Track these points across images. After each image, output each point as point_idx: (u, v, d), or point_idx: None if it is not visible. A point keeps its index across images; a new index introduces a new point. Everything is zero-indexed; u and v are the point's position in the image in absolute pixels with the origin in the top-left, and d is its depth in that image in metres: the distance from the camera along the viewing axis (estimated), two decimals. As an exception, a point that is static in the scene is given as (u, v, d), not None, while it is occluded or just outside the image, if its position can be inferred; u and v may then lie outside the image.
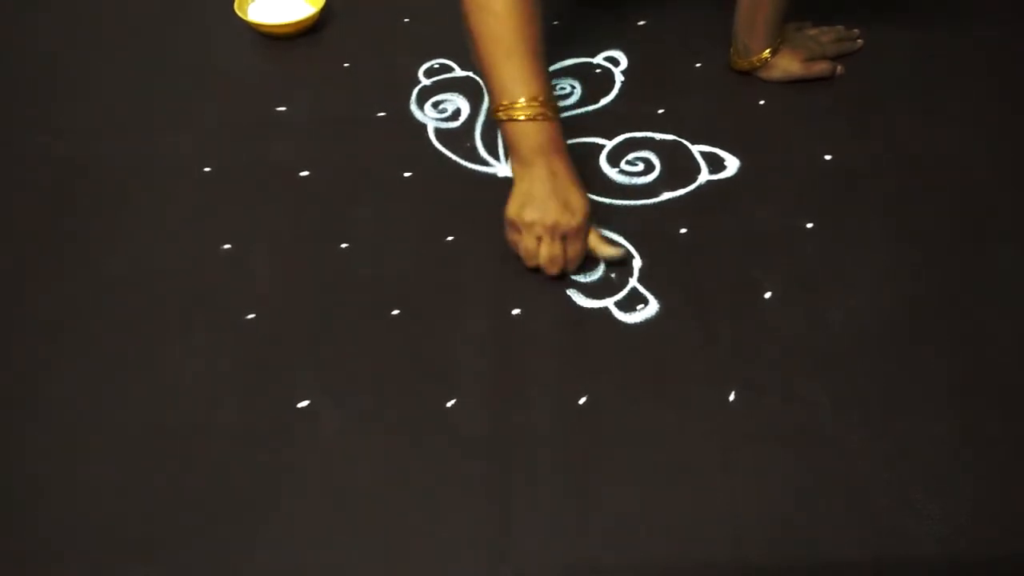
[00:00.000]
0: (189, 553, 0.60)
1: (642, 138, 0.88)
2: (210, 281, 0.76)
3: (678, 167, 0.85)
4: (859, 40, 0.97)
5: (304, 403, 0.68)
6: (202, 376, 0.70)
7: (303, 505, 0.62)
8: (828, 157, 0.86)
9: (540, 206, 0.70)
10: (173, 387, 0.69)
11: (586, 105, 0.92)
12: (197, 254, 0.79)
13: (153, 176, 0.86)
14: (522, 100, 0.69)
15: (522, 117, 0.69)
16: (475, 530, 0.61)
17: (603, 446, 0.65)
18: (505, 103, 0.69)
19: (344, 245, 0.79)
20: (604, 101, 0.93)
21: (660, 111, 0.91)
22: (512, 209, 0.71)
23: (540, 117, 0.69)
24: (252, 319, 0.73)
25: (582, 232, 0.71)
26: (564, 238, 0.71)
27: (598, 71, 0.97)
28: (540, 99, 0.69)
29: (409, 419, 0.67)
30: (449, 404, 0.67)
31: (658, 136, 0.88)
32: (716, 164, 0.85)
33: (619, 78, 0.95)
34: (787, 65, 0.91)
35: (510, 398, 0.68)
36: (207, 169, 0.87)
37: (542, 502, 0.62)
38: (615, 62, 0.98)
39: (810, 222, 0.79)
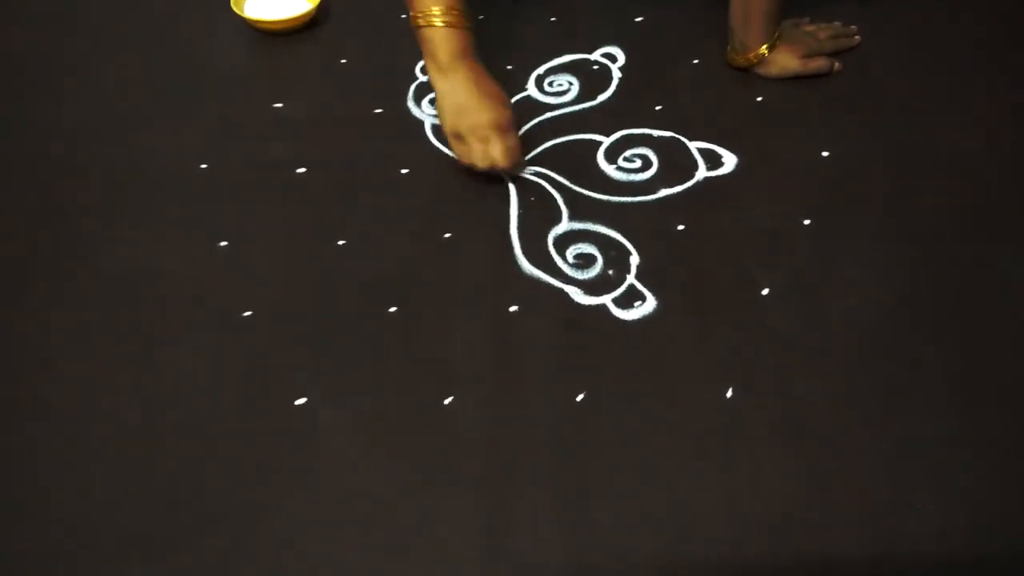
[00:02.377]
0: (188, 552, 0.60)
1: (640, 135, 0.88)
2: (207, 279, 0.76)
3: (676, 164, 0.85)
4: (856, 37, 0.97)
5: (301, 401, 0.68)
6: (199, 374, 0.70)
7: (301, 503, 0.62)
8: (826, 154, 0.85)
9: (476, 108, 0.74)
10: (170, 385, 0.69)
11: (584, 102, 0.92)
12: (194, 252, 0.78)
13: (150, 173, 0.86)
14: (438, 8, 0.74)
15: (440, 23, 0.74)
16: (473, 528, 0.61)
17: (601, 443, 0.65)
18: (423, 10, 0.75)
19: (341, 242, 0.79)
20: (602, 98, 0.93)
21: (658, 108, 0.91)
22: (448, 121, 0.76)
23: (457, 24, 0.74)
24: (249, 317, 0.73)
25: (514, 122, 0.77)
26: (506, 131, 0.76)
27: (596, 67, 0.96)
28: (456, 8, 0.74)
29: (407, 416, 0.67)
30: (447, 401, 0.67)
31: (656, 133, 0.88)
32: (714, 161, 0.85)
33: (617, 74, 0.95)
34: (785, 61, 0.91)
35: (508, 395, 0.68)
36: (204, 166, 0.86)
37: (539, 500, 0.62)
38: (613, 58, 0.97)
39: (808, 219, 0.79)
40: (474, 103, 0.75)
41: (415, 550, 0.60)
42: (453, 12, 0.74)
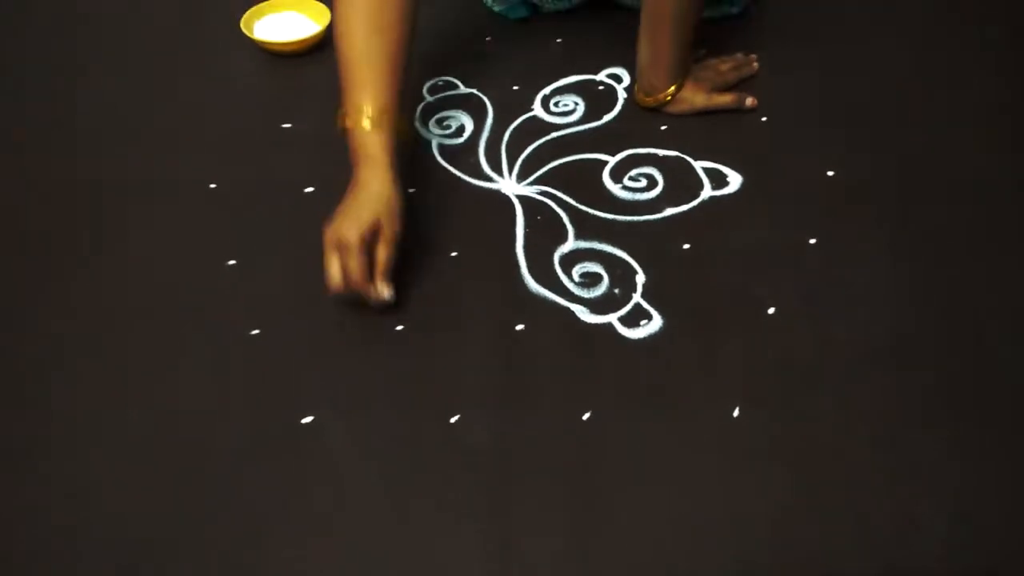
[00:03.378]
0: (192, 566, 0.60)
1: (645, 154, 0.89)
2: (216, 297, 0.77)
3: (681, 183, 0.86)
4: (755, 64, 0.97)
5: (308, 419, 0.68)
6: (207, 391, 0.70)
7: (307, 520, 0.62)
8: (831, 173, 0.86)
9: (331, 219, 0.70)
10: (178, 402, 0.69)
11: (589, 122, 0.93)
12: (202, 270, 0.79)
13: (159, 192, 0.87)
14: (345, 107, 0.72)
15: (341, 126, 0.72)
16: (478, 545, 0.60)
17: (607, 462, 0.65)
18: (352, 109, 0.72)
19: (349, 261, 0.79)
20: (607, 118, 0.94)
21: (663, 127, 0.92)
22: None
23: (353, 125, 0.71)
24: (257, 335, 0.74)
25: (356, 244, 0.67)
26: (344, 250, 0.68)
27: (601, 88, 0.97)
28: (361, 109, 0.71)
29: (413, 434, 0.67)
30: (453, 420, 0.67)
31: (661, 152, 0.89)
32: (719, 180, 0.86)
33: (622, 95, 0.96)
34: (692, 98, 0.90)
35: (514, 414, 0.68)
36: (213, 185, 0.87)
37: (545, 518, 0.62)
38: (618, 79, 0.98)
39: (813, 238, 0.80)
40: (339, 212, 0.70)
41: (422, 568, 0.60)
42: (356, 112, 0.71)
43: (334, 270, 0.69)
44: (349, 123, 0.71)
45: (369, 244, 0.69)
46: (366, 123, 0.70)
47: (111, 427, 0.68)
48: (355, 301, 0.72)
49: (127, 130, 0.94)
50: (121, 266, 0.80)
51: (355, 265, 0.68)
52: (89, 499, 0.64)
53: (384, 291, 0.70)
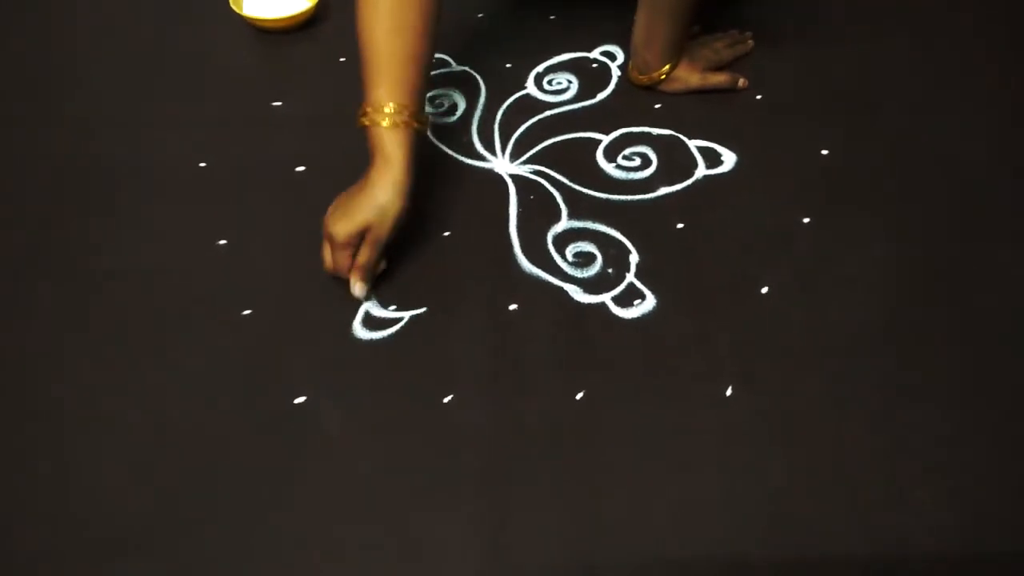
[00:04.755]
0: (188, 549, 0.60)
1: (639, 133, 0.88)
2: (207, 277, 0.76)
3: (675, 162, 0.85)
4: (750, 41, 0.96)
5: (301, 399, 0.68)
6: (199, 372, 0.69)
7: (301, 500, 0.62)
8: (825, 152, 0.86)
9: (333, 206, 0.71)
10: (170, 383, 0.69)
11: (583, 100, 0.92)
12: (193, 250, 0.78)
13: (149, 171, 0.86)
14: (365, 105, 0.71)
15: (360, 123, 0.71)
16: (472, 525, 0.61)
17: (600, 441, 0.65)
18: (362, 106, 0.72)
19: (341, 240, 0.79)
20: (601, 96, 0.93)
21: (657, 106, 0.91)
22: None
23: (373, 123, 0.70)
24: (249, 315, 0.73)
25: (339, 242, 0.69)
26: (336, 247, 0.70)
27: (595, 66, 0.96)
28: (381, 107, 0.70)
29: (406, 414, 0.67)
30: (446, 399, 0.67)
31: (655, 131, 0.88)
32: (713, 159, 0.85)
33: (616, 73, 0.95)
34: (686, 77, 0.90)
35: (507, 393, 0.68)
36: (203, 164, 0.86)
37: (539, 497, 0.62)
38: (612, 57, 0.97)
39: (807, 217, 0.80)
40: (334, 207, 0.71)
41: (414, 548, 0.60)
42: (370, 109, 0.70)
43: (325, 257, 0.72)
44: (367, 121, 0.70)
45: (356, 243, 0.70)
46: (385, 121, 0.70)
47: (102, 409, 0.67)
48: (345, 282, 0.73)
49: (115, 108, 0.93)
50: (111, 246, 0.79)
51: (339, 259, 0.71)
52: (81, 480, 0.63)
53: (356, 288, 0.72)
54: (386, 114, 0.70)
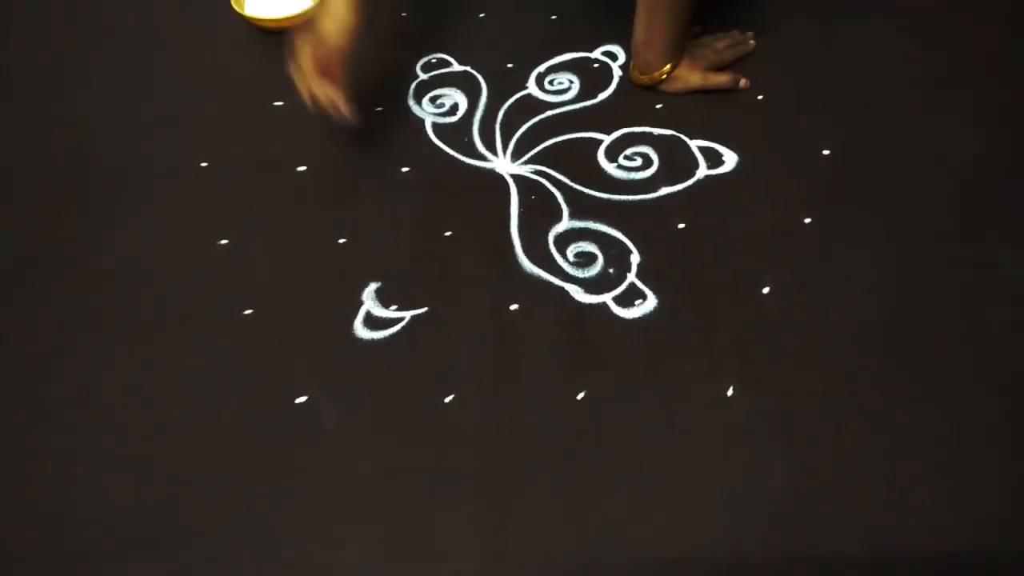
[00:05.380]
0: (189, 549, 0.60)
1: (640, 133, 0.88)
2: (208, 276, 0.76)
3: (676, 162, 0.85)
4: (752, 42, 0.96)
5: (302, 399, 0.68)
6: (199, 371, 0.70)
7: (302, 500, 0.62)
8: (827, 152, 0.85)
9: (296, 50, 0.77)
10: (171, 382, 0.69)
11: (584, 100, 0.92)
12: (194, 249, 0.79)
13: (150, 171, 0.86)
14: None
15: None
16: (472, 525, 0.61)
17: (601, 441, 0.65)
18: None
19: (342, 240, 0.79)
20: (602, 96, 0.93)
21: (658, 106, 0.91)
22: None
23: None
24: (250, 314, 0.73)
25: (326, 62, 0.77)
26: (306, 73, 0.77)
27: (596, 66, 0.96)
28: None
29: (407, 414, 0.67)
30: (447, 399, 0.67)
31: (656, 131, 0.88)
32: (714, 159, 0.85)
33: (617, 73, 0.95)
34: (687, 77, 0.90)
35: (508, 393, 0.68)
36: (204, 164, 0.86)
37: (540, 497, 0.62)
38: (613, 57, 0.97)
39: (808, 217, 0.79)
40: (300, 39, 0.77)
41: (415, 547, 0.60)
42: None
43: (304, 96, 0.78)
44: None
45: (335, 61, 0.77)
46: None
47: (103, 408, 0.67)
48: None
49: (116, 108, 0.93)
50: (111, 246, 0.79)
51: (330, 71, 0.77)
52: (80, 477, 0.64)
53: (343, 107, 0.78)
54: None
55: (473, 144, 0.88)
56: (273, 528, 0.61)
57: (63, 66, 0.99)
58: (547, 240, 0.78)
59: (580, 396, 0.67)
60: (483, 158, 0.87)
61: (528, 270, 0.76)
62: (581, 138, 0.88)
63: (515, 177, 0.84)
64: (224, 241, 0.79)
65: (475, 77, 0.95)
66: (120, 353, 0.71)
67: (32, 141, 0.89)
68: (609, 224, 0.79)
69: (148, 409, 0.67)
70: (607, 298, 0.74)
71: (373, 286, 0.75)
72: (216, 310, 0.74)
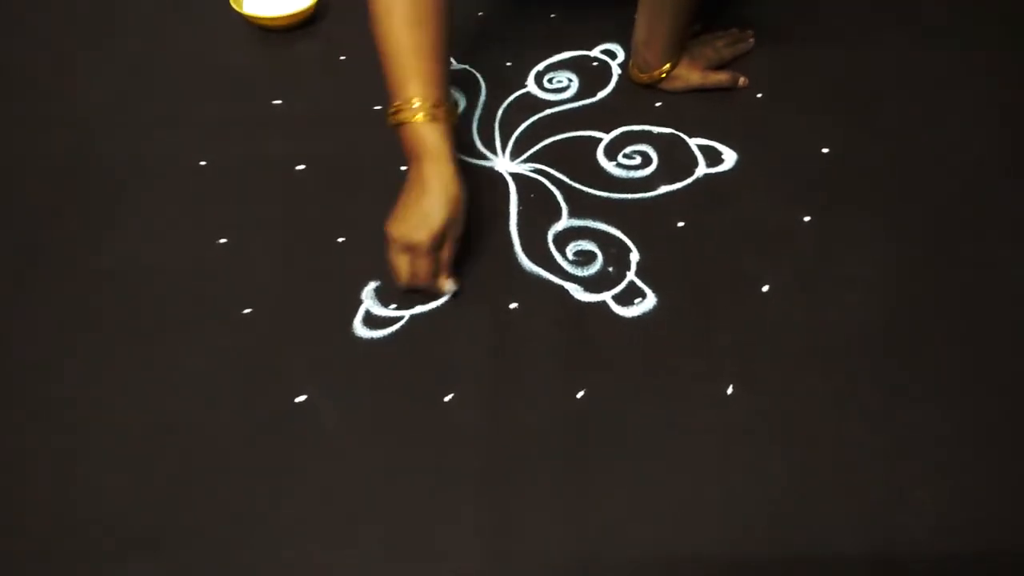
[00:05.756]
0: (189, 549, 0.60)
1: (639, 131, 0.88)
2: (207, 276, 0.76)
3: (676, 161, 0.85)
4: (751, 40, 0.96)
5: (302, 398, 0.68)
6: (199, 371, 0.69)
7: (301, 500, 0.62)
8: (826, 150, 0.85)
9: (397, 218, 0.69)
10: (170, 382, 0.69)
11: (583, 98, 0.92)
12: (193, 248, 0.78)
13: (149, 170, 0.86)
14: (397, 103, 0.69)
15: (394, 121, 0.70)
16: (472, 525, 0.61)
17: (601, 441, 0.65)
18: (392, 104, 0.70)
19: (341, 239, 0.79)
20: (601, 94, 0.93)
21: (657, 104, 0.91)
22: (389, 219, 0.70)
23: (408, 119, 0.69)
24: (249, 313, 0.73)
25: (426, 248, 0.68)
26: (415, 254, 0.69)
27: (595, 64, 0.96)
28: (414, 102, 0.69)
29: (406, 413, 0.67)
30: (447, 398, 0.67)
31: (655, 129, 0.88)
32: (714, 158, 0.85)
33: (616, 71, 0.95)
34: (687, 75, 0.90)
35: (508, 392, 0.68)
36: (203, 163, 0.86)
37: (539, 496, 0.62)
38: (612, 55, 0.97)
39: (808, 216, 0.79)
40: (398, 213, 0.69)
41: (414, 547, 0.60)
42: (407, 106, 0.69)
43: (403, 269, 0.69)
44: (403, 118, 0.69)
45: (439, 245, 0.69)
46: (421, 116, 0.68)
47: (102, 408, 0.67)
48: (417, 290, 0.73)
49: (115, 107, 0.93)
50: (111, 245, 0.79)
51: (424, 266, 0.69)
52: (80, 477, 0.64)
53: (448, 286, 0.71)
54: (421, 109, 0.68)
55: (472, 142, 0.88)
56: (273, 528, 0.61)
57: (62, 66, 0.98)
58: (546, 239, 0.78)
59: (580, 395, 0.67)
60: (482, 156, 0.86)
61: (527, 269, 0.76)
62: (580, 136, 0.88)
63: (514, 176, 0.84)
64: (223, 240, 0.79)
65: (474, 75, 0.95)
66: (120, 353, 0.71)
67: (32, 141, 0.89)
68: (608, 223, 0.79)
69: (148, 409, 0.67)
70: (607, 297, 0.74)
71: (372, 285, 0.75)
72: (215, 309, 0.73)
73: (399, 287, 0.71)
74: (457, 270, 0.73)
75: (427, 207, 0.67)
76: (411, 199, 0.69)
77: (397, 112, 0.69)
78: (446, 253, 0.70)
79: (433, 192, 0.68)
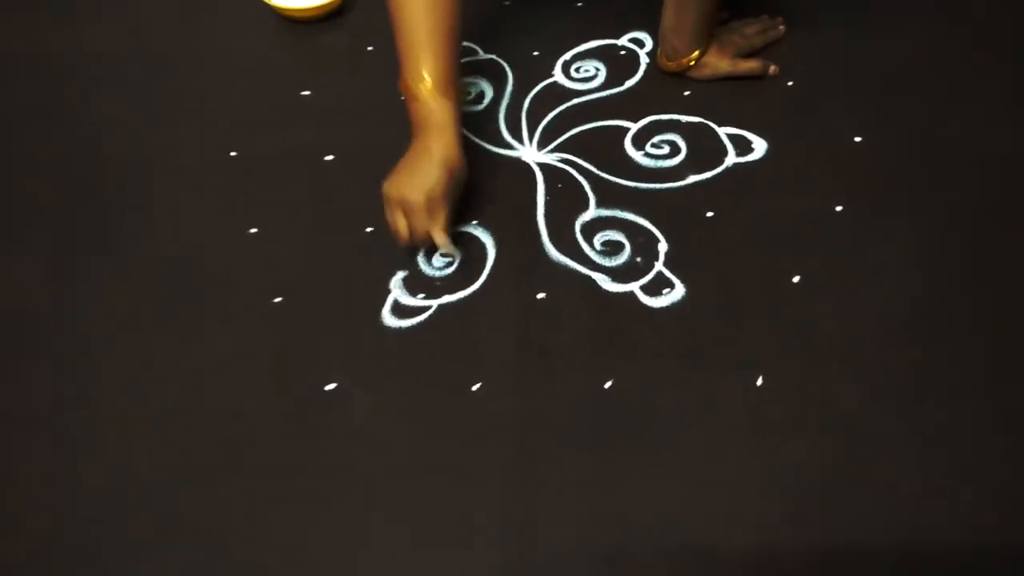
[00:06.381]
0: (220, 532, 0.61)
1: (668, 120, 0.87)
2: (237, 266, 0.77)
3: (704, 150, 0.84)
4: (781, 27, 0.94)
5: (331, 386, 0.68)
6: (230, 360, 0.70)
7: (328, 488, 0.63)
8: (858, 139, 0.84)
9: (393, 179, 0.72)
10: (201, 372, 0.70)
11: (611, 88, 0.91)
12: (223, 239, 0.79)
13: (179, 162, 0.87)
14: (408, 77, 0.72)
15: (405, 94, 0.73)
16: (501, 514, 0.61)
17: (628, 431, 0.65)
18: (404, 79, 0.73)
19: (369, 229, 0.79)
20: (629, 83, 0.92)
21: (686, 93, 0.90)
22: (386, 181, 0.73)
23: (418, 93, 0.72)
24: (279, 303, 0.74)
25: (420, 207, 0.70)
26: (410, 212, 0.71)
27: (623, 53, 0.96)
28: (425, 77, 0.72)
29: (435, 402, 0.67)
30: (475, 388, 0.68)
31: (684, 118, 0.87)
32: (743, 146, 0.84)
33: (644, 60, 0.94)
34: (716, 63, 0.89)
35: (535, 382, 0.68)
36: (233, 154, 0.87)
37: (567, 486, 0.62)
38: (640, 44, 0.96)
39: (840, 206, 0.78)
40: (396, 174, 0.72)
41: (443, 534, 0.60)
42: (450, 85, 0.72)
43: (401, 225, 0.72)
44: (413, 91, 0.72)
45: (433, 203, 0.71)
46: (431, 91, 0.72)
47: (135, 398, 0.68)
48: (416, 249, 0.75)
49: (144, 100, 0.94)
50: (142, 236, 0.80)
51: (418, 223, 0.71)
52: (115, 465, 0.65)
53: (440, 240, 0.72)
54: (431, 85, 0.71)
55: (499, 132, 0.88)
56: (302, 513, 0.62)
57: (92, 60, 1.00)
58: (574, 229, 0.78)
59: (607, 385, 0.67)
60: (509, 147, 0.86)
61: (555, 259, 0.76)
62: (608, 126, 0.87)
63: (541, 166, 0.84)
64: (253, 230, 0.80)
65: (501, 65, 0.95)
66: (151, 342, 0.72)
67: (61, 134, 0.91)
68: (636, 213, 0.79)
69: (180, 398, 0.68)
70: (634, 287, 0.73)
71: (401, 275, 0.75)
72: (246, 299, 0.74)
73: (400, 246, 0.73)
74: (456, 235, 0.76)
75: (424, 169, 0.71)
76: (410, 161, 0.72)
77: (408, 87, 0.72)
78: (442, 214, 0.71)
79: (432, 156, 0.71)
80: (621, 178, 0.82)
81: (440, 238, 0.72)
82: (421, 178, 0.70)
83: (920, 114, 0.86)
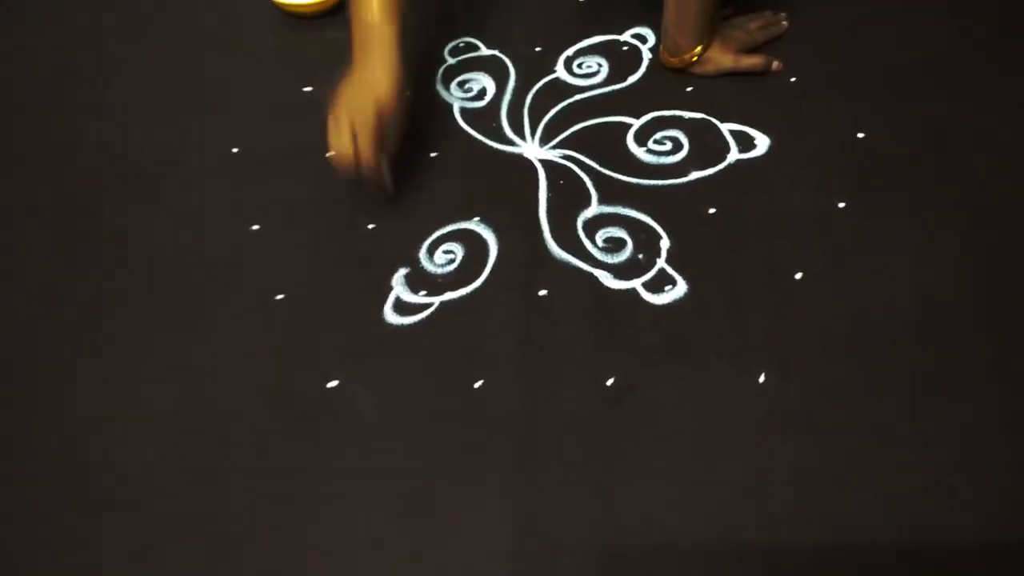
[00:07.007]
0: (222, 529, 0.61)
1: (670, 116, 0.87)
2: (240, 262, 0.77)
3: (707, 146, 0.84)
4: (784, 23, 0.94)
5: (333, 383, 0.68)
6: (232, 356, 0.70)
7: (332, 483, 0.63)
8: (861, 135, 0.84)
9: (343, 90, 0.72)
10: (201, 369, 0.70)
11: (613, 83, 0.91)
12: (226, 235, 0.79)
13: (182, 157, 0.87)
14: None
15: (352, 12, 0.73)
16: (502, 510, 0.61)
17: (630, 427, 0.65)
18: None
19: (371, 225, 0.79)
20: (632, 79, 0.92)
21: (689, 89, 0.90)
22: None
23: (363, 15, 0.72)
24: (281, 300, 0.74)
25: (370, 117, 0.69)
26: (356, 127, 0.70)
27: (625, 49, 0.95)
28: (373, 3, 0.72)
29: (437, 399, 0.67)
30: (477, 385, 0.68)
31: (687, 114, 0.87)
32: (746, 143, 0.84)
33: (647, 55, 0.94)
34: (718, 59, 0.88)
35: (538, 379, 0.68)
36: (235, 150, 0.87)
37: (569, 483, 0.62)
38: (643, 39, 0.96)
39: (842, 202, 0.78)
40: (346, 91, 0.72)
41: (446, 531, 0.60)
42: (395, 9, 0.73)
43: (345, 141, 0.69)
44: (357, 10, 0.72)
45: (378, 119, 0.70)
46: (375, 13, 0.72)
47: (136, 394, 0.69)
48: (352, 180, 0.74)
49: (148, 96, 0.94)
50: (145, 232, 0.80)
51: (367, 141, 0.70)
52: (115, 464, 0.65)
53: (386, 169, 0.72)
54: (377, 7, 0.72)
55: (501, 129, 0.88)
56: (304, 510, 0.62)
57: (95, 57, 1.00)
58: (576, 225, 0.78)
59: (609, 382, 0.67)
60: (511, 143, 0.86)
61: (557, 255, 0.76)
62: (610, 122, 0.87)
63: (543, 162, 0.84)
64: (255, 226, 0.80)
65: (503, 61, 0.95)
66: (153, 338, 0.72)
67: (63, 131, 0.91)
68: (639, 209, 0.79)
69: (181, 394, 0.68)
70: (637, 284, 0.73)
71: (403, 271, 0.75)
72: (248, 295, 0.74)
73: (340, 169, 0.72)
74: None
75: (374, 78, 0.71)
76: (356, 75, 0.72)
77: (353, 4, 0.73)
78: (378, 130, 0.70)
79: (378, 68, 0.71)
80: (623, 174, 0.82)
81: (384, 165, 0.71)
82: (370, 86, 0.70)
83: (923, 110, 0.86)
